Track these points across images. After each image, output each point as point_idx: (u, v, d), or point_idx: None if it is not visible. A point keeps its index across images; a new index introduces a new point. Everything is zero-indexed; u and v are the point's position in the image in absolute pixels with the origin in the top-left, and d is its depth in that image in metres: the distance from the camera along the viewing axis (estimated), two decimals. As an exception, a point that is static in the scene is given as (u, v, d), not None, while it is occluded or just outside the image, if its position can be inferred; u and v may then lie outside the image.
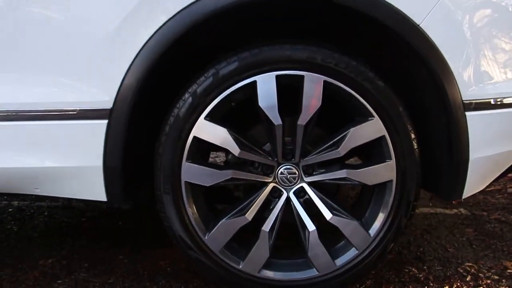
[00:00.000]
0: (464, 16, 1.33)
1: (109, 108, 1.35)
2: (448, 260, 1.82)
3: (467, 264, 1.79)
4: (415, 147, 1.40)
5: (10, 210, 2.28)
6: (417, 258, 1.84)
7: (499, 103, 1.38)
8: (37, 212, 2.26)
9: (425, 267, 1.76)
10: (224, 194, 1.66)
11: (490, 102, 1.38)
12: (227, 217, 1.42)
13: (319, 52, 1.33)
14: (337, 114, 1.52)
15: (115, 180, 1.41)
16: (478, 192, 1.54)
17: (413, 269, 1.74)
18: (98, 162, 1.39)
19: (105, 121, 1.36)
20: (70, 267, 1.71)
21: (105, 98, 1.34)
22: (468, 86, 1.35)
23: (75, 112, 1.37)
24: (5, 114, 1.35)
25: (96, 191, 1.43)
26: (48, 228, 2.06)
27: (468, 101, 1.36)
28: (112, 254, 1.81)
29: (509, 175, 1.81)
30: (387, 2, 1.28)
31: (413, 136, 1.39)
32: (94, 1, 1.32)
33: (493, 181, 1.55)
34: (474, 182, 1.46)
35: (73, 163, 1.40)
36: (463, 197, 1.46)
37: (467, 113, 1.36)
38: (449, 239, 2.03)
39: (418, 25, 1.30)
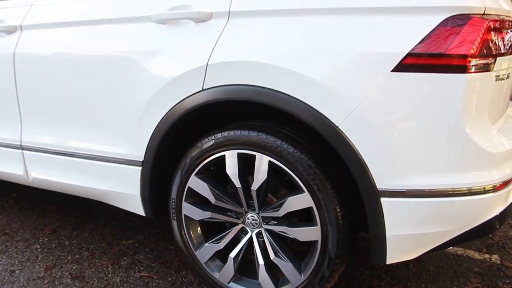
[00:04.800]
0: (380, 119, 1.58)
1: (141, 160, 2.10)
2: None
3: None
4: (339, 218, 1.75)
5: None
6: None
7: (409, 193, 1.62)
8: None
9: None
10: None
11: (403, 191, 1.63)
12: (208, 242, 2.05)
13: (266, 139, 1.80)
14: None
15: (147, 205, 2.18)
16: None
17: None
18: (137, 192, 2.17)
19: (139, 168, 2.11)
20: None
21: (139, 153, 2.09)
22: (382, 177, 1.64)
23: (123, 160, 2.16)
24: (83, 154, 2.28)
25: (140, 209, 2.23)
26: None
27: (382, 189, 1.65)
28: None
29: None
30: (308, 105, 1.65)
31: (338, 209, 1.75)
32: (132, 90, 2.06)
33: (430, 251, 1.77)
34: (395, 254, 1.73)
35: (127, 191, 2.23)
36: (387, 263, 1.75)
37: (382, 199, 1.66)
38: (438, 288, 2.18)
39: (337, 127, 1.64)
